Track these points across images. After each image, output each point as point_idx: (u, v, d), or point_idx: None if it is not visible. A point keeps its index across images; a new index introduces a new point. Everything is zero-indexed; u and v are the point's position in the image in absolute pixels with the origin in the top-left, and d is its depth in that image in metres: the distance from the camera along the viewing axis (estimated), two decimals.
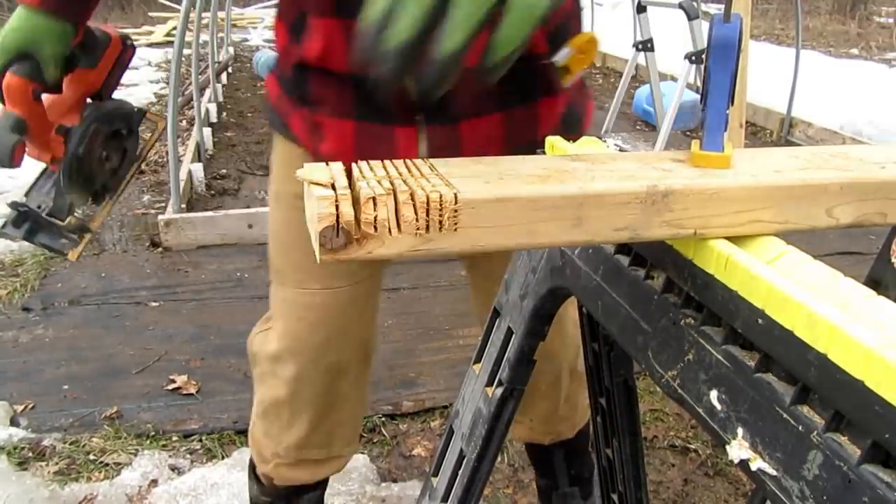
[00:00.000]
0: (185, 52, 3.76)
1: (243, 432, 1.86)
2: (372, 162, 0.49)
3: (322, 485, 1.33)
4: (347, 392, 1.20)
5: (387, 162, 0.49)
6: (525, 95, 0.96)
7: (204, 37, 5.53)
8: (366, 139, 0.95)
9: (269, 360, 1.19)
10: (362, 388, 1.25)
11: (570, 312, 1.14)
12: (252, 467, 1.34)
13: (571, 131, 1.03)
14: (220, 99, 5.45)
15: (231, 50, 7.39)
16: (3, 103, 0.92)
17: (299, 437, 1.20)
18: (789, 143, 4.45)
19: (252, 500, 1.37)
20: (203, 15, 4.53)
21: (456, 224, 0.44)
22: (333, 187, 0.44)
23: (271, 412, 1.22)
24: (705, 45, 0.55)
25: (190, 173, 3.51)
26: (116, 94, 1.06)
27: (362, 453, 1.79)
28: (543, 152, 0.67)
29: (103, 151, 1.04)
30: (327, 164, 0.48)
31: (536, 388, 1.29)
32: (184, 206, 3.18)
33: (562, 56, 0.96)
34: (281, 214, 1.12)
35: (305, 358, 1.14)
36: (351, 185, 0.45)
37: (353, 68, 0.85)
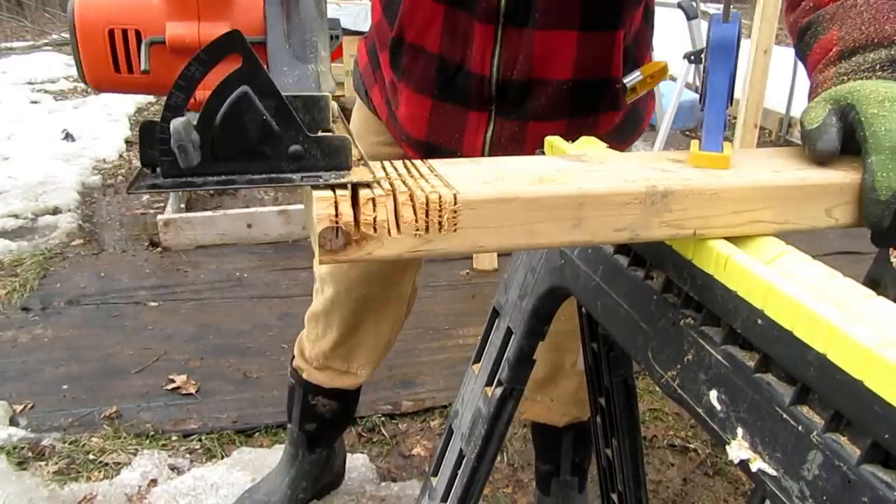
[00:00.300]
0: None
1: (243, 432, 1.87)
2: (372, 163, 0.49)
3: (338, 396, 1.49)
4: (371, 321, 1.37)
5: (386, 163, 0.49)
6: (592, 108, 1.06)
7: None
8: (439, 115, 1.05)
9: (320, 279, 1.37)
10: (387, 322, 1.41)
11: None
12: (291, 358, 1.53)
13: (629, 132, 1.17)
14: None
15: None
16: None
17: (327, 347, 1.41)
18: (788, 143, 4.45)
19: (288, 382, 1.55)
20: None
21: (455, 225, 0.44)
22: (333, 189, 0.44)
23: (312, 321, 1.42)
24: (704, 45, 0.55)
25: None
26: None
27: (361, 453, 1.79)
28: (543, 152, 0.67)
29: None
30: None
31: (561, 366, 1.37)
32: (183, 205, 3.18)
33: (631, 79, 1.05)
34: None
35: (341, 286, 1.32)
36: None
37: (441, 51, 1.00)
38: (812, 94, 0.64)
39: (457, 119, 1.05)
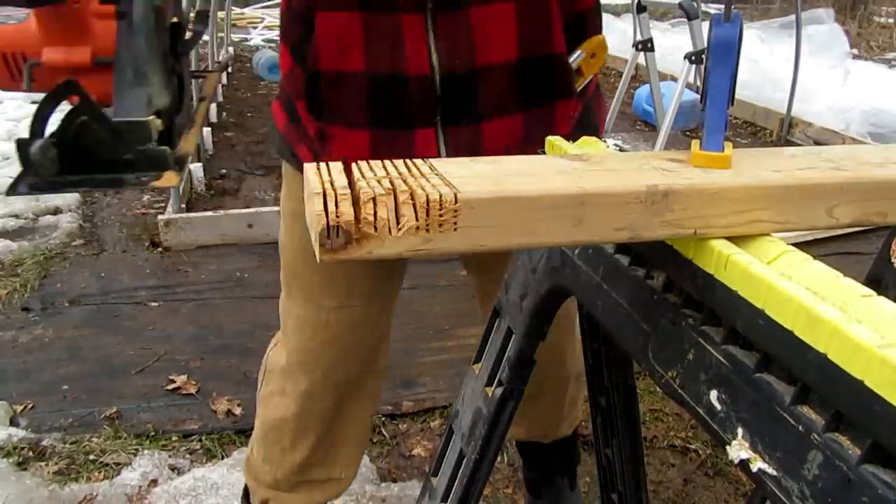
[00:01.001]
0: None
1: (243, 432, 1.86)
2: (372, 162, 0.49)
3: None
4: (355, 409, 1.22)
5: (387, 162, 0.49)
6: (543, 95, 0.97)
7: (203, 36, 5.52)
8: (380, 147, 0.93)
9: (281, 375, 1.19)
10: (369, 407, 1.27)
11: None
12: (245, 495, 1.32)
13: (587, 134, 1.09)
14: (220, 99, 5.45)
15: (231, 50, 7.39)
16: None
17: (302, 458, 1.21)
18: (789, 143, 4.45)
19: None
20: None
21: (456, 224, 0.44)
22: (333, 187, 0.44)
23: (273, 434, 1.22)
24: (705, 46, 0.55)
25: (190, 173, 3.51)
26: None
27: None
28: (544, 152, 0.67)
29: None
30: (327, 165, 0.48)
31: (541, 392, 1.29)
32: (183, 206, 3.18)
33: (574, 59, 0.99)
34: (291, 233, 1.12)
35: (317, 374, 1.15)
36: (351, 184, 0.45)
37: (368, 66, 0.89)
38: None
39: (402, 145, 0.93)
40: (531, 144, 0.99)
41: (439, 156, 0.94)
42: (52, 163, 0.58)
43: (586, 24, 1.00)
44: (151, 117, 0.62)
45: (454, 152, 0.94)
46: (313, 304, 1.12)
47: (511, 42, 0.91)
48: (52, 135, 0.59)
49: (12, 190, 0.59)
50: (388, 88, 0.90)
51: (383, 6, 0.87)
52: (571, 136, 1.01)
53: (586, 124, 1.05)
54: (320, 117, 0.96)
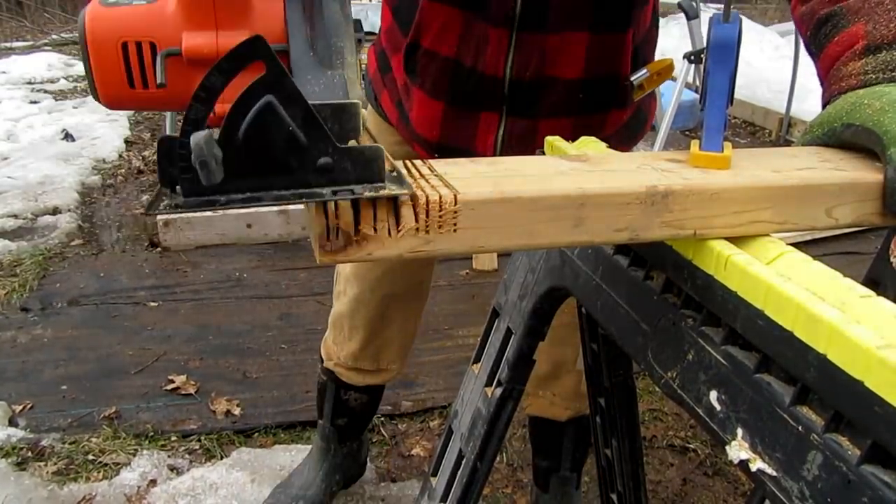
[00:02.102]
0: None
1: (242, 432, 1.86)
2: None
3: (370, 390, 1.52)
4: (397, 318, 1.39)
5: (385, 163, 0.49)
6: (602, 106, 1.08)
7: None
8: (451, 117, 1.08)
9: (343, 279, 1.39)
10: (413, 317, 1.44)
11: None
12: (321, 359, 1.55)
13: (634, 132, 1.17)
14: None
15: None
16: None
17: (355, 348, 1.42)
18: (788, 143, 4.45)
19: (318, 381, 1.57)
20: None
21: (455, 225, 0.44)
22: None
23: (337, 324, 1.44)
24: (704, 45, 0.55)
25: None
26: None
27: None
28: (543, 152, 0.67)
29: None
30: None
31: (564, 362, 1.38)
32: None
33: (639, 76, 1.08)
34: None
35: (365, 285, 1.34)
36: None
37: (457, 55, 1.02)
38: (830, 85, 0.62)
39: (469, 121, 1.08)
40: None
41: (496, 139, 1.08)
42: (216, 167, 0.41)
43: (650, 48, 1.12)
44: (358, 101, 0.46)
45: (509, 139, 1.08)
46: None
47: (579, 64, 1.03)
48: (223, 125, 0.41)
49: (152, 208, 0.43)
50: (468, 77, 1.05)
51: (479, 14, 0.99)
52: (619, 134, 1.12)
53: (635, 122, 1.15)
54: (412, 76, 1.09)
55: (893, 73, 0.58)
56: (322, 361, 1.54)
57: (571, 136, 1.03)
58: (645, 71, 1.08)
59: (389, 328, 1.40)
